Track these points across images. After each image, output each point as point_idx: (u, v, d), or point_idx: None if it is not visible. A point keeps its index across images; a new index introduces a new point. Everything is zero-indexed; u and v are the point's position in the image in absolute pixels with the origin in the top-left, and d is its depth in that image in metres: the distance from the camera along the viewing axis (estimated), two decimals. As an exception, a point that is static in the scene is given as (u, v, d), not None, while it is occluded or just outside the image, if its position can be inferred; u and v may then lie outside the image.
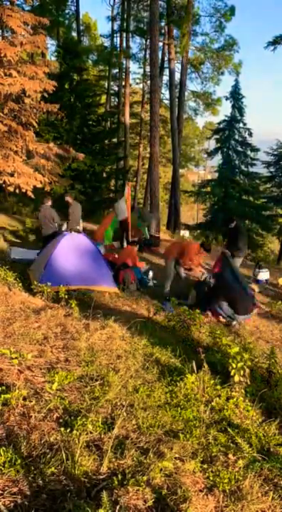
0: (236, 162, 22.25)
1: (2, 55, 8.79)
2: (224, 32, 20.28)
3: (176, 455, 2.16)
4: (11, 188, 9.27)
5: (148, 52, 20.44)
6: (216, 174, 24.65)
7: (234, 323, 6.17)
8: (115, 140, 24.30)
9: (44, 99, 9.78)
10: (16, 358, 2.88)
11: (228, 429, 2.52)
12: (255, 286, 8.58)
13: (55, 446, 2.09)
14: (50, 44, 27.21)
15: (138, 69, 36.58)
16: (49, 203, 9.24)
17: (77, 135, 18.52)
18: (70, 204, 9.75)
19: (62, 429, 2.22)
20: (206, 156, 31.58)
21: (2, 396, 2.37)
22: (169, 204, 22.46)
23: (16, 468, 1.88)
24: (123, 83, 27.19)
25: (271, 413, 2.87)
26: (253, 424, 2.69)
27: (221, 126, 22.64)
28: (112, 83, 30.11)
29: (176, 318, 5.35)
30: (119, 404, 2.62)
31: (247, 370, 3.06)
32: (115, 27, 26.99)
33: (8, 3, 11.31)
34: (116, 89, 29.92)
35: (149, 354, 3.57)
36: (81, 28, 28.78)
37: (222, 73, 22.38)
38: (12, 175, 9.41)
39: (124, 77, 27.12)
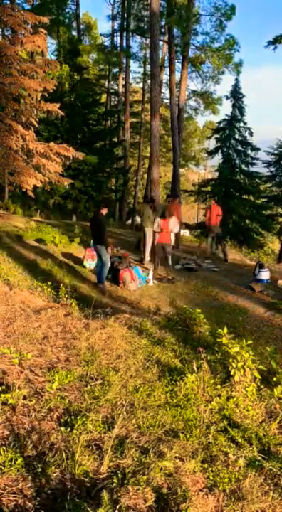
0: (237, 161, 22.23)
1: (2, 54, 8.79)
2: (225, 31, 20.18)
3: (177, 455, 2.16)
4: (11, 187, 9.27)
5: (148, 51, 20.39)
6: (217, 173, 24.65)
7: None
8: (115, 139, 24.29)
9: (44, 98, 9.77)
10: (16, 357, 2.88)
11: (229, 429, 2.51)
12: (256, 286, 8.58)
13: (56, 445, 2.09)
14: (51, 43, 27.20)
15: (138, 68, 36.61)
16: None
17: (78, 134, 18.52)
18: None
19: (62, 428, 2.22)
20: (206, 155, 31.55)
21: (2, 395, 2.37)
22: (170, 203, 22.39)
23: (16, 467, 1.88)
24: (123, 82, 27.16)
25: (271, 413, 2.87)
26: (253, 424, 2.69)
27: (222, 125, 22.62)
28: (112, 82, 30.11)
29: (177, 318, 5.34)
30: (119, 403, 2.62)
31: (247, 370, 3.06)
32: (115, 26, 27.01)
33: (8, 2, 11.30)
34: (116, 88, 29.89)
35: (150, 354, 3.57)
36: (81, 27, 28.79)
37: (222, 72, 22.32)
38: (12, 174, 9.41)
39: (124, 76, 27.09)
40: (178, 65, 21.41)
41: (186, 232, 18.02)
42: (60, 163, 10.31)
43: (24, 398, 2.47)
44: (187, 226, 22.41)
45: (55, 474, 1.89)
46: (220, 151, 22.77)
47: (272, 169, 22.14)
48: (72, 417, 2.33)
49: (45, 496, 1.76)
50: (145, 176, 33.31)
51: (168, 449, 2.18)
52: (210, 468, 2.12)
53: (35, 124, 10.06)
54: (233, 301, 7.71)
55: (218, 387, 3.01)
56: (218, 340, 3.38)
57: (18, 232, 11.64)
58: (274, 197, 21.67)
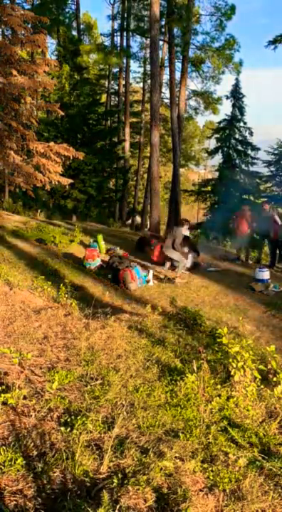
0: (237, 161, 22.23)
1: (2, 54, 8.79)
2: (225, 31, 20.19)
3: (177, 454, 2.16)
4: (11, 187, 9.28)
5: (148, 51, 20.39)
6: (217, 173, 24.66)
7: None
8: (115, 139, 24.29)
9: (44, 98, 9.78)
10: (16, 357, 2.88)
11: (229, 429, 2.51)
12: (256, 286, 8.58)
13: (56, 445, 2.10)
14: (51, 43, 27.20)
15: (138, 68, 36.58)
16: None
17: (78, 134, 18.52)
18: None
19: (62, 428, 2.23)
20: (206, 155, 31.57)
21: (2, 395, 2.37)
22: (170, 203, 22.44)
23: (17, 467, 1.88)
24: (123, 82, 27.16)
25: (271, 413, 2.87)
26: (253, 424, 2.69)
27: (222, 125, 22.63)
28: (112, 82, 30.12)
29: (177, 318, 5.35)
30: (119, 403, 2.62)
31: (247, 370, 3.06)
32: (116, 26, 26.99)
33: (8, 1, 11.30)
34: (116, 88, 29.90)
35: (150, 353, 3.57)
36: (81, 27, 28.79)
37: (223, 72, 22.33)
38: (12, 174, 9.42)
39: (124, 76, 27.09)
40: (178, 64, 21.42)
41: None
42: (60, 163, 10.31)
43: (24, 398, 2.47)
44: (187, 226, 22.37)
45: (55, 474, 1.89)
46: (220, 150, 22.77)
47: (272, 169, 22.15)
48: (73, 417, 2.34)
49: (46, 496, 1.76)
50: (145, 175, 33.28)
51: (168, 448, 2.18)
52: (210, 468, 2.12)
53: (35, 124, 10.06)
54: (233, 300, 7.71)
55: (218, 387, 3.01)
56: (218, 340, 3.38)
57: (19, 231, 11.65)
58: (274, 197, 21.67)
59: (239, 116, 21.86)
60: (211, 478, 2.05)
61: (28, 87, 9.13)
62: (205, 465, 2.15)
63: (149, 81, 25.07)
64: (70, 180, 11.36)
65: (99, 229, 14.87)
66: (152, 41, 14.59)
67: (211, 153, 24.06)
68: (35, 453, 2.02)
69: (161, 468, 1.99)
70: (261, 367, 3.17)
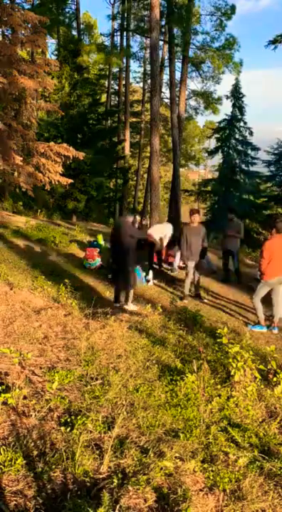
0: (237, 161, 22.24)
1: (2, 54, 8.79)
2: (225, 31, 20.22)
3: (177, 454, 2.16)
4: (11, 187, 9.28)
5: (148, 51, 20.38)
6: (217, 173, 24.67)
7: None
8: (115, 139, 24.30)
9: (44, 98, 9.79)
10: (17, 357, 2.88)
11: (229, 429, 2.52)
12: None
13: (56, 445, 2.10)
14: (51, 43, 27.18)
15: (138, 68, 36.54)
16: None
17: (78, 134, 18.52)
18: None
19: (62, 428, 2.23)
20: (206, 155, 31.58)
21: (2, 395, 2.37)
22: (170, 203, 22.45)
23: (17, 467, 1.88)
24: (123, 82, 27.16)
25: (271, 413, 2.87)
26: (253, 424, 2.69)
27: (222, 125, 22.64)
28: (112, 82, 30.12)
29: (177, 318, 5.35)
30: (119, 403, 2.62)
31: (247, 370, 3.06)
32: (116, 26, 26.97)
33: (8, 1, 11.30)
34: (116, 87, 29.90)
35: (150, 353, 3.57)
36: (81, 26, 28.79)
37: (223, 72, 22.34)
38: (12, 174, 9.42)
39: (124, 76, 27.09)
40: (178, 64, 21.43)
41: None
42: (60, 163, 10.32)
43: (24, 398, 2.47)
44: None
45: (55, 474, 1.89)
46: (220, 150, 22.78)
47: (272, 169, 22.14)
48: (73, 417, 2.34)
49: (46, 496, 1.76)
50: (145, 175, 33.31)
51: (168, 448, 2.18)
52: (210, 468, 2.12)
53: (35, 124, 10.07)
54: (233, 300, 7.71)
55: (219, 387, 3.01)
56: (218, 340, 3.38)
57: (19, 231, 11.64)
58: (274, 196, 21.67)
59: (239, 116, 21.86)
60: (211, 478, 2.05)
61: (28, 87, 9.13)
62: (205, 465, 2.15)
63: (149, 81, 25.08)
64: (70, 180, 11.36)
65: (99, 229, 14.86)
66: (152, 42, 14.56)
67: (211, 153, 24.07)
68: (35, 453, 2.02)
69: (161, 468, 1.99)
70: (261, 367, 3.17)
